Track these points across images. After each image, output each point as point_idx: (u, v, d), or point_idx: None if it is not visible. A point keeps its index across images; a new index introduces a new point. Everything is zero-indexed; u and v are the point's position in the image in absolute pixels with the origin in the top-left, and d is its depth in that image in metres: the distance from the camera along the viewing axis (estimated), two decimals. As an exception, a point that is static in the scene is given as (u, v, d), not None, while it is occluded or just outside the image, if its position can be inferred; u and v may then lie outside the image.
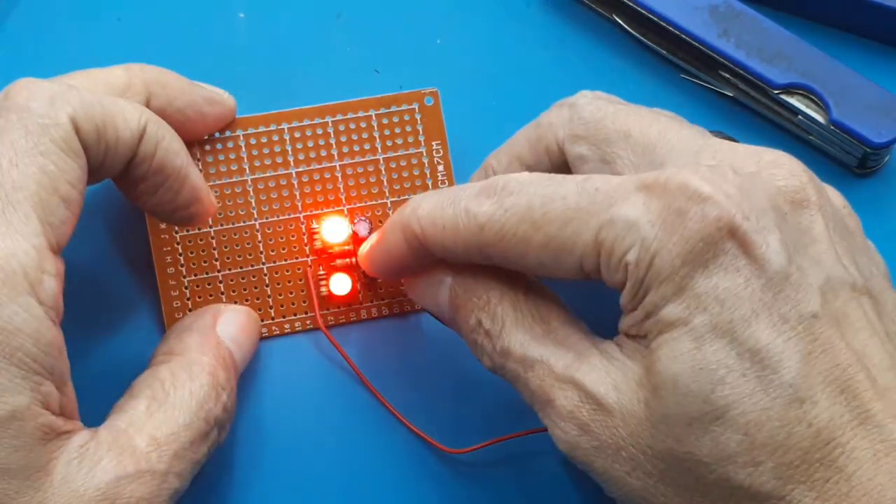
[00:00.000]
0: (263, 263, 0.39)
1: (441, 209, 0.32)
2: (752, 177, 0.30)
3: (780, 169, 0.30)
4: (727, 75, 0.42)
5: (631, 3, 0.42)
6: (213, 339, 0.36)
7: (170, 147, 0.33)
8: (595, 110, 0.34)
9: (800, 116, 0.41)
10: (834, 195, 0.32)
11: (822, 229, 0.29)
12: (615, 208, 0.29)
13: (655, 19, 0.42)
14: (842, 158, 0.41)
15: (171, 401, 0.33)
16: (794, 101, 0.41)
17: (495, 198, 0.31)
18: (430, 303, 0.35)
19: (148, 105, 0.35)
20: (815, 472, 0.27)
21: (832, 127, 0.40)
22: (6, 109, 0.30)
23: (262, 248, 0.39)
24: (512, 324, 0.32)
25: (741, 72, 0.41)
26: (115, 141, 0.32)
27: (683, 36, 0.41)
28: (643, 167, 0.32)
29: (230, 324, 0.37)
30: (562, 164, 0.35)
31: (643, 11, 0.42)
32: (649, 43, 0.43)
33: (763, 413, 0.27)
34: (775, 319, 0.27)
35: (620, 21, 0.43)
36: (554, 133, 0.35)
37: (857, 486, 0.27)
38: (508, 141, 0.37)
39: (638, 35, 0.43)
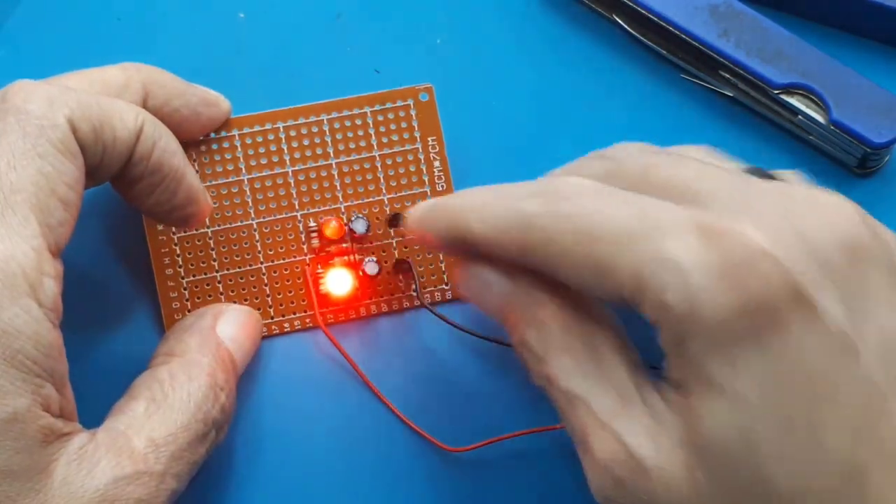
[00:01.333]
0: (262, 263, 0.39)
1: (490, 203, 0.30)
2: (806, 225, 0.28)
3: (834, 214, 0.28)
4: (727, 75, 0.41)
5: (631, 3, 0.42)
6: (213, 340, 0.36)
7: (167, 147, 0.33)
8: (636, 162, 0.32)
9: (800, 116, 0.41)
10: (884, 231, 0.30)
11: (879, 279, 0.28)
12: (665, 242, 0.27)
13: (655, 19, 0.42)
14: (842, 158, 0.41)
15: (170, 402, 0.33)
16: (794, 101, 0.41)
17: (545, 199, 0.29)
18: (476, 301, 0.33)
19: (144, 104, 0.35)
20: None
21: (832, 127, 0.40)
22: (3, 112, 0.30)
23: (259, 248, 0.39)
24: (558, 348, 0.30)
25: (741, 72, 0.41)
26: (113, 141, 0.32)
27: (683, 36, 0.41)
28: None
29: (231, 324, 0.37)
30: None
31: (643, 11, 0.42)
32: (649, 43, 0.43)
33: (816, 487, 0.26)
34: (829, 389, 0.26)
35: (620, 21, 0.43)
36: None
37: None
38: None
39: (638, 35, 0.43)
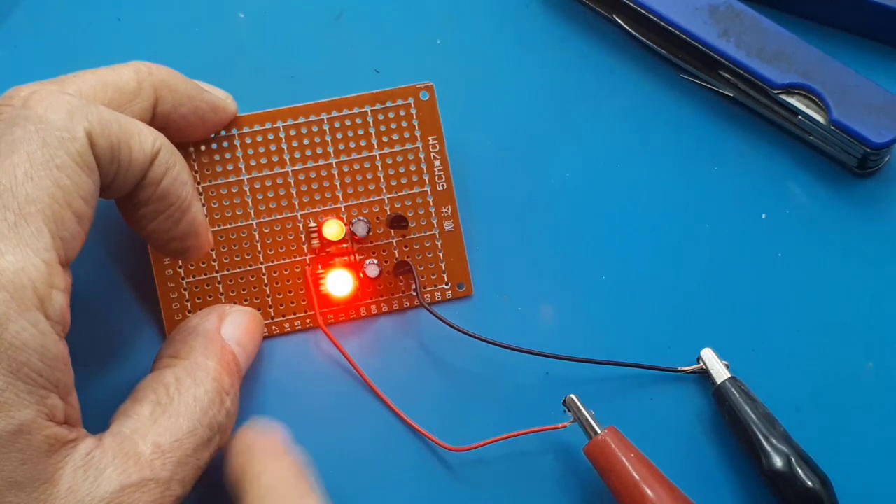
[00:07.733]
0: (262, 263, 0.39)
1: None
2: None
3: None
4: (727, 75, 0.41)
5: (631, 3, 0.42)
6: (218, 343, 0.36)
7: (178, 176, 0.33)
8: None
9: (800, 116, 0.41)
10: None
11: None
12: None
13: (655, 19, 0.42)
14: (842, 158, 0.41)
15: (176, 407, 0.33)
16: (794, 101, 0.41)
17: None
18: None
19: (154, 109, 0.35)
20: None
21: (832, 127, 0.40)
22: (25, 119, 0.30)
23: (260, 248, 0.39)
24: None
25: (741, 72, 0.41)
26: (128, 161, 0.31)
27: (683, 36, 0.41)
28: None
29: (235, 326, 0.37)
30: None
31: (643, 11, 0.42)
32: (649, 43, 0.43)
33: None
34: None
35: (620, 21, 0.43)
36: None
37: None
38: None
39: (638, 35, 0.43)
